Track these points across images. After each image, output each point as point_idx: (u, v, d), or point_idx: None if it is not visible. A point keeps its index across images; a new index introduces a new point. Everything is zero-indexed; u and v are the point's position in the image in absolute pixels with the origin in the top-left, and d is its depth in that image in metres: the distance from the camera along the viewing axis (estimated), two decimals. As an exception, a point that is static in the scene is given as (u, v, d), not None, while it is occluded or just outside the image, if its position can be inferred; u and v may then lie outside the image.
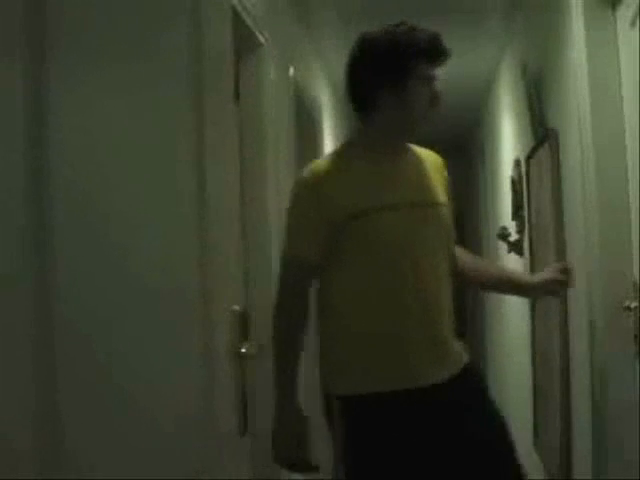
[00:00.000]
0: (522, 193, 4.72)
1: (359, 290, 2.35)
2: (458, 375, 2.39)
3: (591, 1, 2.92)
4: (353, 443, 2.32)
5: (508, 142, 5.59)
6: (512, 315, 5.64)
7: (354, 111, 2.46)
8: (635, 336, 2.72)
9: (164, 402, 1.75)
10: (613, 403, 2.85)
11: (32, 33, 1.25)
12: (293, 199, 2.42)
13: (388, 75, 2.36)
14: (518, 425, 4.21)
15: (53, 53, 1.30)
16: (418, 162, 2.49)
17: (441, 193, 2.48)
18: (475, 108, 7.22)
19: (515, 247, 5.03)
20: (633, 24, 2.69)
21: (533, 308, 4.43)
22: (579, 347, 3.31)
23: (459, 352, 2.45)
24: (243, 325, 2.50)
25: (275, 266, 3.28)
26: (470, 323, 9.00)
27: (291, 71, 3.97)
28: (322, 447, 2.60)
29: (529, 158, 4.34)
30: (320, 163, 2.46)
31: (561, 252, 3.53)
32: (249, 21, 2.93)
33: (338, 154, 2.45)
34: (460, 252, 2.64)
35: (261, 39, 3.16)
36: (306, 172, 2.44)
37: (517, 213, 4.91)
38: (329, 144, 5.38)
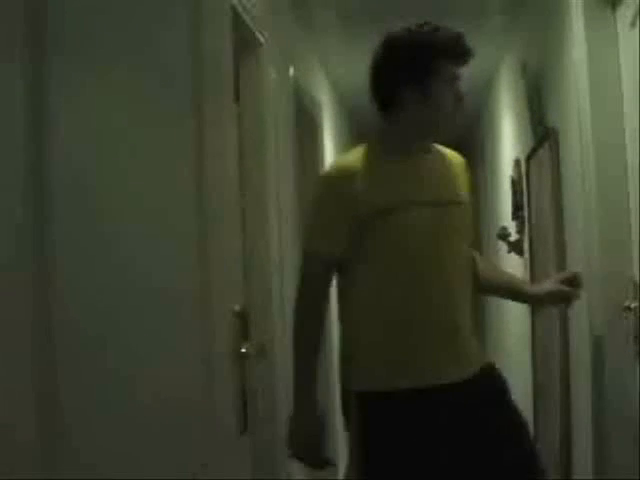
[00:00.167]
0: (522, 193, 4.73)
1: (381, 286, 2.35)
2: (477, 374, 2.38)
3: (591, 1, 2.92)
4: (370, 439, 2.32)
5: (508, 142, 5.59)
6: (512, 315, 5.64)
7: (378, 110, 2.46)
8: (635, 336, 2.73)
9: (164, 402, 1.74)
10: (613, 403, 2.85)
11: (32, 33, 1.25)
12: (317, 195, 2.41)
13: (412, 75, 2.36)
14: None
15: (53, 53, 1.31)
16: (442, 161, 2.50)
17: (464, 192, 2.49)
18: (475, 108, 7.21)
19: (515, 247, 5.03)
20: (633, 24, 2.70)
21: (533, 308, 4.43)
22: (579, 347, 3.31)
23: (479, 352, 2.46)
24: (243, 325, 2.50)
25: (275, 266, 3.28)
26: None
27: (291, 71, 3.97)
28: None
29: (529, 158, 4.34)
30: (344, 160, 2.47)
31: (561, 252, 3.54)
32: (249, 21, 2.93)
33: (362, 152, 2.43)
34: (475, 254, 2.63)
35: (261, 39, 3.16)
36: (330, 169, 2.45)
37: (517, 213, 4.91)
38: (329, 144, 5.38)
